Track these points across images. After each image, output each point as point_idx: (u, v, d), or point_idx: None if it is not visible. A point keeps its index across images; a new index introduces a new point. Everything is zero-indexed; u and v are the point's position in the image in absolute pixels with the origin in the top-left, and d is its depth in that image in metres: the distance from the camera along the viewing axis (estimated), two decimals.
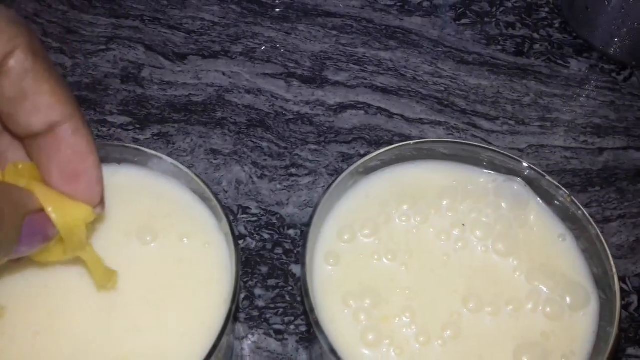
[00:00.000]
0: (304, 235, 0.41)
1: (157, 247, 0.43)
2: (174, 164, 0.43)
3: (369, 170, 0.46)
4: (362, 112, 0.74)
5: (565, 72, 0.79)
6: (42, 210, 0.33)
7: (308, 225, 0.41)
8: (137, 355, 0.38)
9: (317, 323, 0.37)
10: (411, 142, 0.45)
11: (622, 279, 0.62)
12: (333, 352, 0.36)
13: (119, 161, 0.45)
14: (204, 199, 0.44)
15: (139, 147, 0.44)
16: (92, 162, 0.35)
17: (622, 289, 0.61)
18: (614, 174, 0.70)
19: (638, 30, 0.76)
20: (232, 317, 0.37)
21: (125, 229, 0.43)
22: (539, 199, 0.45)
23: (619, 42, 0.78)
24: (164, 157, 0.44)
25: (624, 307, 0.60)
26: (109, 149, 0.44)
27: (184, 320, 0.40)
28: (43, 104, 0.32)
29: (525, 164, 0.45)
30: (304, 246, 0.40)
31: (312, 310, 0.38)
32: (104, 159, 0.45)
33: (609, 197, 0.68)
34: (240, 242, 0.63)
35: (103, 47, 0.79)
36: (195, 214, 0.43)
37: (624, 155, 0.71)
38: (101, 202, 0.36)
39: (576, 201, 0.43)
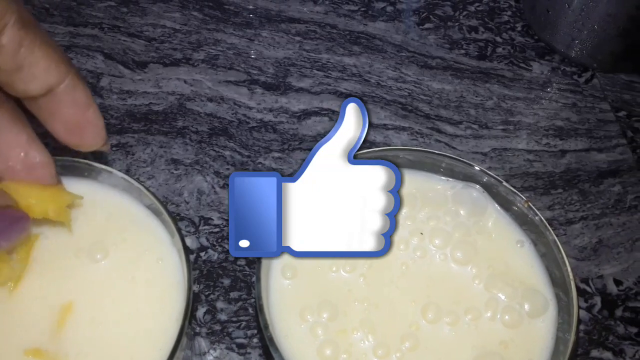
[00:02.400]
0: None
1: (109, 265, 0.41)
2: (125, 178, 0.42)
3: None
4: (326, 118, 0.73)
5: (528, 75, 0.80)
6: (10, 206, 0.34)
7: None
8: None
9: (271, 340, 0.36)
10: (371, 149, 0.45)
11: (584, 281, 0.62)
12: None
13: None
14: (156, 213, 0.43)
15: (89, 161, 0.43)
16: (93, 112, 0.37)
17: (585, 291, 0.61)
18: (576, 175, 0.70)
19: (598, 33, 0.77)
20: (183, 337, 0.36)
21: (76, 246, 0.42)
22: (497, 205, 0.45)
23: (580, 44, 0.79)
24: (114, 171, 0.42)
25: (587, 309, 0.60)
26: (57, 162, 0.43)
27: (135, 342, 0.39)
28: (39, 71, 0.34)
29: (482, 170, 0.45)
30: (259, 261, 0.39)
31: (267, 326, 0.37)
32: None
33: (572, 199, 0.68)
34: (202, 254, 0.61)
35: None
36: (148, 229, 0.42)
37: (586, 157, 0.72)
38: (106, 142, 0.40)
39: (533, 207, 0.43)
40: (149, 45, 0.79)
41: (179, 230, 0.40)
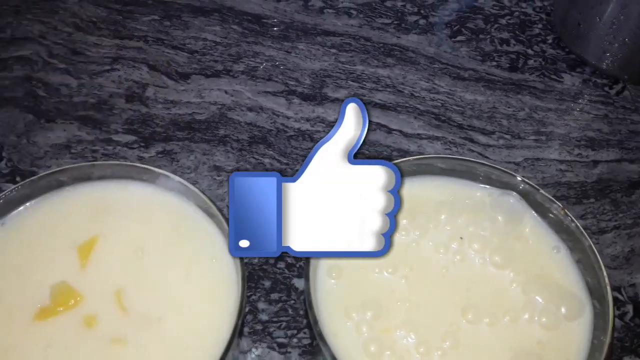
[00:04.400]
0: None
1: (165, 262, 0.44)
2: (181, 181, 0.45)
3: None
4: None
5: (559, 86, 0.81)
6: None
7: None
8: None
9: (320, 335, 0.38)
10: (410, 158, 0.47)
11: (617, 289, 0.63)
12: None
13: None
14: (210, 215, 0.45)
15: (147, 165, 0.46)
16: None
17: (617, 299, 0.62)
18: (608, 186, 0.71)
19: (629, 45, 0.78)
20: (238, 331, 0.39)
21: (134, 245, 0.45)
22: (533, 212, 0.47)
23: (611, 56, 0.80)
24: (171, 175, 0.45)
25: (620, 316, 0.61)
26: (118, 168, 0.46)
27: (190, 335, 0.41)
28: None
29: (519, 178, 0.46)
30: (307, 261, 0.41)
31: (316, 322, 0.39)
32: (114, 177, 0.47)
33: (604, 209, 0.69)
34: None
35: (108, 67, 0.80)
36: (203, 230, 0.45)
37: (617, 168, 0.73)
38: None
39: (569, 214, 0.44)
40: (191, 57, 0.82)
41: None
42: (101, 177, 0.47)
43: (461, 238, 0.45)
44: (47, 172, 0.46)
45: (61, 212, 0.46)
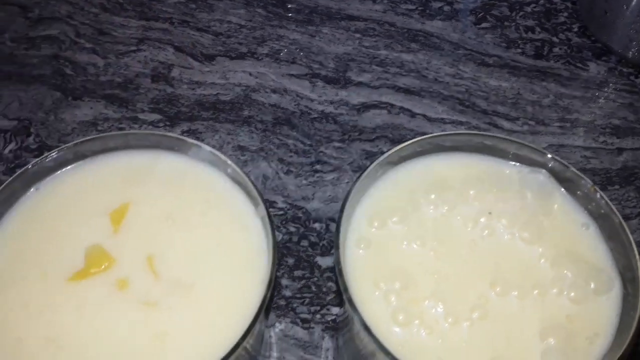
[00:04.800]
0: (337, 221, 0.42)
1: (195, 231, 0.45)
2: (212, 151, 0.45)
3: (397, 161, 0.48)
4: (385, 111, 0.76)
5: (585, 74, 0.81)
6: None
7: (340, 211, 0.43)
8: (176, 331, 0.40)
9: (350, 301, 0.39)
10: (440, 133, 0.47)
11: None
12: (366, 329, 0.38)
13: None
14: (240, 185, 0.46)
15: (179, 135, 0.46)
16: None
17: None
18: (633, 173, 0.71)
19: None
20: (270, 298, 0.39)
21: (165, 213, 0.45)
22: (562, 189, 0.47)
23: (637, 45, 0.80)
24: (203, 145, 0.46)
25: None
26: (151, 137, 0.47)
27: (221, 301, 0.42)
28: None
29: (549, 156, 0.46)
30: (337, 230, 0.42)
31: (346, 289, 0.39)
32: (147, 146, 0.47)
33: (628, 196, 0.69)
34: None
35: (134, 47, 0.81)
36: (233, 199, 0.46)
37: None
38: None
39: (599, 191, 0.44)
40: (216, 40, 0.83)
41: (263, 200, 0.43)
42: (133, 147, 0.47)
43: (490, 213, 0.46)
44: (81, 139, 0.46)
45: (94, 180, 0.47)
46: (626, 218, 0.67)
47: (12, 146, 0.71)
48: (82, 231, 0.44)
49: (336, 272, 0.40)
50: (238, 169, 0.44)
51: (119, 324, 0.40)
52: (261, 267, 0.42)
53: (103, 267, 0.42)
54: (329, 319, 0.60)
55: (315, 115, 0.75)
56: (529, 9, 0.88)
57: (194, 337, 0.40)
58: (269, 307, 0.58)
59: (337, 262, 0.40)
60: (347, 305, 0.39)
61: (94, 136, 0.46)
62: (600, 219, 0.45)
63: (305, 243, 0.64)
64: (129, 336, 0.40)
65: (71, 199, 0.46)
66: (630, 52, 0.81)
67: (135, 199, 0.46)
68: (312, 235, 0.65)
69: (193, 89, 0.77)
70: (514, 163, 0.48)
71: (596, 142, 0.74)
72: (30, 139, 0.72)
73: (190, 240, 0.44)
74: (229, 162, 0.45)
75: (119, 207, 0.45)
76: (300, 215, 0.67)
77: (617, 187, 0.70)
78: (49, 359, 0.39)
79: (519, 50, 0.83)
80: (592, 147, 0.73)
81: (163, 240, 0.44)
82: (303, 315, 0.60)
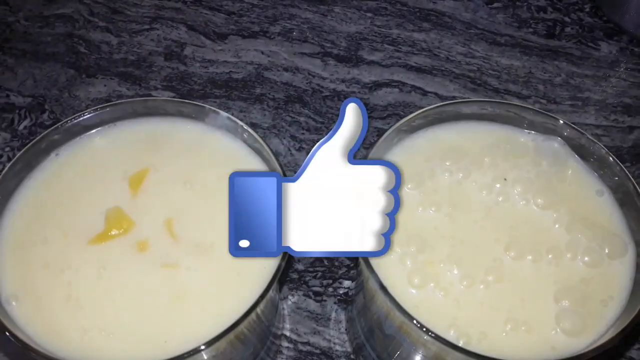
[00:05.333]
0: None
1: (213, 195, 0.45)
2: (230, 117, 0.46)
3: (413, 129, 0.48)
4: (396, 89, 0.76)
5: (596, 54, 0.81)
6: None
7: None
8: (195, 291, 0.41)
9: (367, 262, 0.39)
10: (455, 101, 0.47)
11: None
12: (383, 288, 0.38)
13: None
14: (257, 151, 0.46)
15: (196, 102, 0.47)
16: None
17: None
18: None
19: None
20: (287, 257, 0.40)
21: (183, 178, 0.46)
22: (577, 156, 0.47)
23: None
24: (221, 112, 0.46)
25: None
26: (169, 104, 0.47)
27: (239, 261, 0.42)
28: None
29: (564, 123, 0.47)
30: None
31: None
32: (165, 113, 0.48)
33: (639, 173, 0.69)
34: None
35: (147, 26, 0.82)
36: (250, 165, 0.46)
37: None
38: None
39: (614, 157, 0.45)
40: (229, 19, 0.83)
41: (280, 164, 0.43)
42: (152, 113, 0.48)
43: (505, 179, 0.46)
44: (101, 105, 0.47)
45: (113, 145, 0.47)
46: None
47: (26, 122, 0.72)
48: (102, 195, 0.45)
49: None
50: (255, 135, 0.45)
51: (139, 284, 0.41)
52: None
53: (122, 229, 0.43)
54: (341, 292, 0.60)
55: (327, 94, 0.76)
56: None
57: (211, 297, 0.41)
58: (282, 276, 0.58)
59: None
60: (363, 266, 0.39)
61: (113, 102, 0.47)
62: (614, 185, 0.45)
63: None
64: (149, 296, 0.41)
65: (90, 164, 0.46)
66: None
67: (153, 164, 0.46)
68: None
69: (205, 67, 0.78)
70: (528, 131, 0.49)
71: (607, 120, 0.74)
72: (45, 115, 0.73)
73: (207, 204, 0.45)
74: (246, 127, 0.45)
75: (138, 172, 0.46)
76: None
77: (628, 164, 0.70)
78: (68, 316, 0.40)
79: (531, 30, 0.83)
80: (603, 125, 0.73)
81: (181, 204, 0.44)
82: (315, 289, 0.60)
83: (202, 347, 0.36)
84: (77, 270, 0.41)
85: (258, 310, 0.40)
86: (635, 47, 0.82)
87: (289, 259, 0.60)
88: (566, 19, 0.84)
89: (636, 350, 0.57)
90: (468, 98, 0.75)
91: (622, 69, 0.79)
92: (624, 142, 0.72)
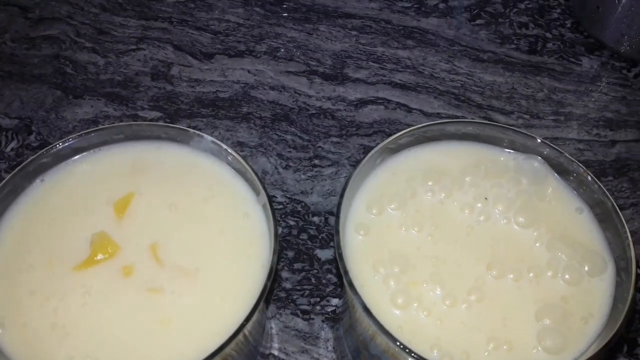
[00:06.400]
0: (337, 207, 0.43)
1: (198, 218, 0.46)
2: (214, 141, 0.46)
3: (395, 149, 0.49)
4: (381, 107, 0.77)
5: (578, 69, 0.82)
6: None
7: (340, 197, 0.44)
8: (181, 316, 0.41)
9: (350, 284, 0.40)
10: (437, 122, 0.48)
11: (637, 264, 0.64)
12: (366, 310, 0.39)
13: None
14: (241, 173, 0.47)
15: (183, 127, 0.47)
16: None
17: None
18: (626, 164, 0.72)
19: None
20: (273, 279, 0.40)
21: (168, 202, 0.46)
22: (557, 174, 0.48)
23: (629, 40, 0.81)
24: (205, 135, 0.47)
25: (638, 289, 0.62)
26: (154, 128, 0.48)
27: (224, 286, 0.43)
28: None
29: (543, 142, 0.47)
30: (337, 216, 0.43)
31: (346, 272, 0.40)
32: (150, 137, 0.48)
33: (622, 187, 0.70)
34: None
35: (134, 47, 0.82)
36: (235, 188, 0.46)
37: (635, 147, 0.74)
38: None
39: (592, 176, 0.45)
40: (215, 38, 0.84)
41: (264, 187, 0.44)
42: (137, 138, 0.48)
43: (486, 199, 0.47)
44: (85, 131, 0.47)
45: (98, 170, 0.48)
46: (620, 208, 0.68)
47: (13, 144, 0.72)
48: (87, 221, 0.45)
49: (336, 257, 0.41)
50: (239, 158, 0.45)
51: (124, 309, 0.41)
52: (262, 254, 0.43)
53: (108, 254, 0.43)
54: (329, 310, 0.60)
55: (313, 111, 0.76)
56: (522, 6, 0.90)
57: (197, 322, 0.41)
58: (269, 295, 0.59)
59: (338, 246, 0.41)
60: (347, 288, 0.40)
61: (98, 128, 0.47)
62: (593, 203, 0.46)
63: (304, 236, 0.65)
64: (134, 321, 0.41)
65: (76, 189, 0.46)
66: (623, 47, 0.82)
67: (138, 189, 0.47)
68: (311, 229, 0.66)
69: (192, 86, 0.78)
70: (509, 150, 0.49)
71: (589, 134, 0.75)
72: (32, 137, 0.73)
73: (192, 228, 0.45)
74: (230, 151, 0.46)
75: (123, 196, 0.46)
76: (300, 209, 0.68)
77: (610, 178, 0.71)
78: (55, 344, 0.40)
79: (513, 46, 0.84)
80: (585, 139, 0.74)
81: (166, 228, 0.45)
82: (303, 307, 0.61)
83: None
84: (62, 297, 0.41)
85: (245, 331, 0.40)
86: (616, 62, 0.83)
87: (274, 279, 0.61)
88: (548, 34, 0.86)
89: None
90: (452, 114, 0.76)
91: (603, 84, 0.81)
92: (606, 156, 0.73)
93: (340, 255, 0.41)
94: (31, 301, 0.41)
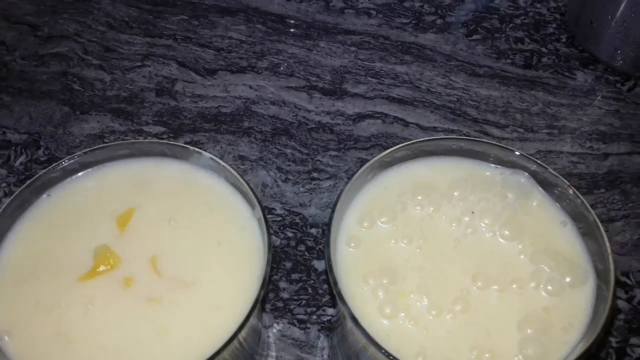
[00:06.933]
0: (329, 221, 0.45)
1: (196, 232, 0.48)
2: (213, 158, 0.49)
3: (386, 165, 0.51)
4: (379, 121, 0.79)
5: (572, 83, 0.84)
6: None
7: (332, 212, 0.46)
8: (178, 325, 0.43)
9: (340, 294, 0.41)
10: (425, 139, 0.50)
11: (625, 274, 0.65)
12: (354, 319, 0.40)
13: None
14: (238, 189, 0.49)
15: (181, 144, 0.50)
16: None
17: (625, 284, 0.65)
18: (618, 177, 0.74)
19: None
20: (265, 294, 0.42)
21: (168, 216, 0.48)
22: (542, 189, 0.49)
23: (623, 54, 0.83)
24: (204, 152, 0.49)
25: (628, 300, 0.64)
26: (155, 146, 0.50)
27: (220, 296, 0.45)
28: None
29: (528, 158, 0.49)
30: (329, 230, 0.45)
31: (336, 283, 0.42)
32: (152, 154, 0.50)
33: (614, 199, 0.72)
34: None
35: (139, 63, 0.85)
36: (232, 203, 0.49)
37: (628, 160, 0.75)
38: None
39: (576, 191, 0.47)
40: (218, 55, 0.86)
41: (260, 202, 0.46)
42: (139, 155, 0.50)
43: (472, 213, 0.48)
44: (90, 148, 0.50)
45: (102, 186, 0.50)
46: (611, 220, 0.70)
47: (22, 159, 0.75)
48: (91, 234, 0.47)
49: (327, 269, 0.43)
50: (237, 174, 0.48)
51: (124, 319, 0.43)
52: (257, 266, 0.45)
53: (110, 265, 0.45)
54: (325, 319, 0.62)
55: (313, 126, 0.78)
56: (518, 21, 0.92)
57: (194, 330, 0.43)
58: (264, 303, 0.61)
59: (328, 258, 0.43)
60: (337, 299, 0.42)
61: (102, 145, 0.50)
62: (576, 216, 0.48)
63: (302, 247, 0.67)
64: (134, 330, 0.43)
65: (81, 204, 0.49)
66: (616, 61, 0.84)
67: (140, 204, 0.49)
68: (309, 240, 0.68)
69: (195, 102, 0.81)
70: (495, 166, 0.51)
71: (583, 147, 0.77)
72: (40, 151, 0.76)
73: (191, 241, 0.47)
74: (228, 167, 0.48)
75: (125, 211, 0.48)
76: (298, 221, 0.70)
77: (602, 190, 0.72)
78: (58, 352, 0.42)
79: (509, 61, 0.86)
80: (578, 152, 0.76)
81: (166, 241, 0.47)
82: (300, 316, 0.62)
83: None
84: (66, 307, 0.44)
85: (240, 338, 0.42)
86: (610, 76, 0.85)
87: (273, 288, 0.63)
88: (543, 49, 0.88)
89: None
90: (448, 128, 0.78)
91: (597, 97, 0.82)
92: (599, 168, 0.74)
93: (331, 267, 0.43)
94: (36, 311, 0.44)
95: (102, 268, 0.45)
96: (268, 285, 0.44)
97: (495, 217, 0.48)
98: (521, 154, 0.49)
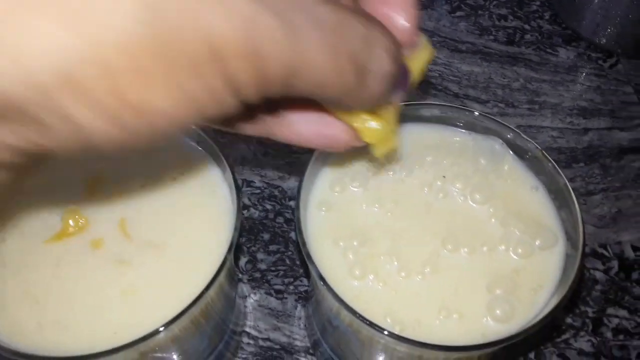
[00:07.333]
0: (299, 185, 0.45)
1: (167, 196, 0.47)
2: None
3: None
4: None
5: (554, 59, 0.84)
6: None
7: (302, 175, 0.46)
8: (148, 286, 0.43)
9: (308, 255, 0.41)
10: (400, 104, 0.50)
11: (603, 246, 0.66)
12: (322, 279, 0.40)
13: None
14: (210, 153, 0.49)
15: None
16: None
17: (602, 255, 0.65)
18: (598, 151, 0.74)
19: (622, 20, 0.81)
20: (235, 244, 0.42)
21: (138, 180, 0.48)
22: (514, 154, 0.49)
23: (605, 31, 0.83)
24: None
25: (605, 271, 0.64)
26: None
27: (190, 258, 0.44)
28: None
29: (501, 123, 0.49)
30: (298, 193, 0.44)
31: (304, 244, 0.42)
32: None
33: (593, 173, 0.72)
34: (245, 211, 0.67)
35: None
36: (203, 168, 0.48)
37: (607, 135, 0.75)
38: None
39: (547, 155, 0.47)
40: None
41: (230, 166, 0.46)
42: None
43: (444, 177, 0.48)
44: None
45: None
46: (590, 193, 0.70)
47: None
48: (60, 197, 0.47)
49: (296, 231, 0.43)
50: (208, 138, 0.47)
51: (92, 279, 0.43)
52: (228, 227, 0.45)
53: (79, 224, 0.45)
54: (302, 289, 0.62)
55: None
56: None
57: (162, 292, 0.43)
58: (235, 270, 0.60)
59: (298, 220, 0.43)
60: (305, 259, 0.42)
61: None
62: (547, 181, 0.48)
63: (280, 220, 0.67)
64: (102, 290, 0.43)
65: (49, 166, 0.48)
66: (599, 38, 0.84)
67: (110, 167, 0.48)
68: (287, 212, 0.68)
69: None
70: (468, 132, 0.51)
71: (563, 122, 0.77)
72: None
73: (161, 204, 0.47)
74: (200, 132, 0.48)
75: (95, 175, 0.48)
76: (277, 193, 0.69)
77: (582, 164, 0.72)
78: (26, 311, 0.42)
79: (492, 37, 0.86)
80: (559, 127, 0.76)
81: (135, 204, 0.47)
82: (277, 287, 0.62)
83: (149, 335, 0.38)
84: (34, 268, 0.43)
85: (208, 298, 0.42)
86: (592, 53, 0.85)
87: (250, 259, 0.63)
88: (526, 26, 0.87)
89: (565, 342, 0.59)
90: (429, 103, 0.77)
91: (579, 74, 0.82)
92: (578, 143, 0.75)
93: (300, 229, 0.43)
94: (3, 272, 0.43)
95: (70, 230, 0.45)
96: (237, 246, 0.44)
97: (466, 182, 0.48)
98: (494, 120, 0.49)
